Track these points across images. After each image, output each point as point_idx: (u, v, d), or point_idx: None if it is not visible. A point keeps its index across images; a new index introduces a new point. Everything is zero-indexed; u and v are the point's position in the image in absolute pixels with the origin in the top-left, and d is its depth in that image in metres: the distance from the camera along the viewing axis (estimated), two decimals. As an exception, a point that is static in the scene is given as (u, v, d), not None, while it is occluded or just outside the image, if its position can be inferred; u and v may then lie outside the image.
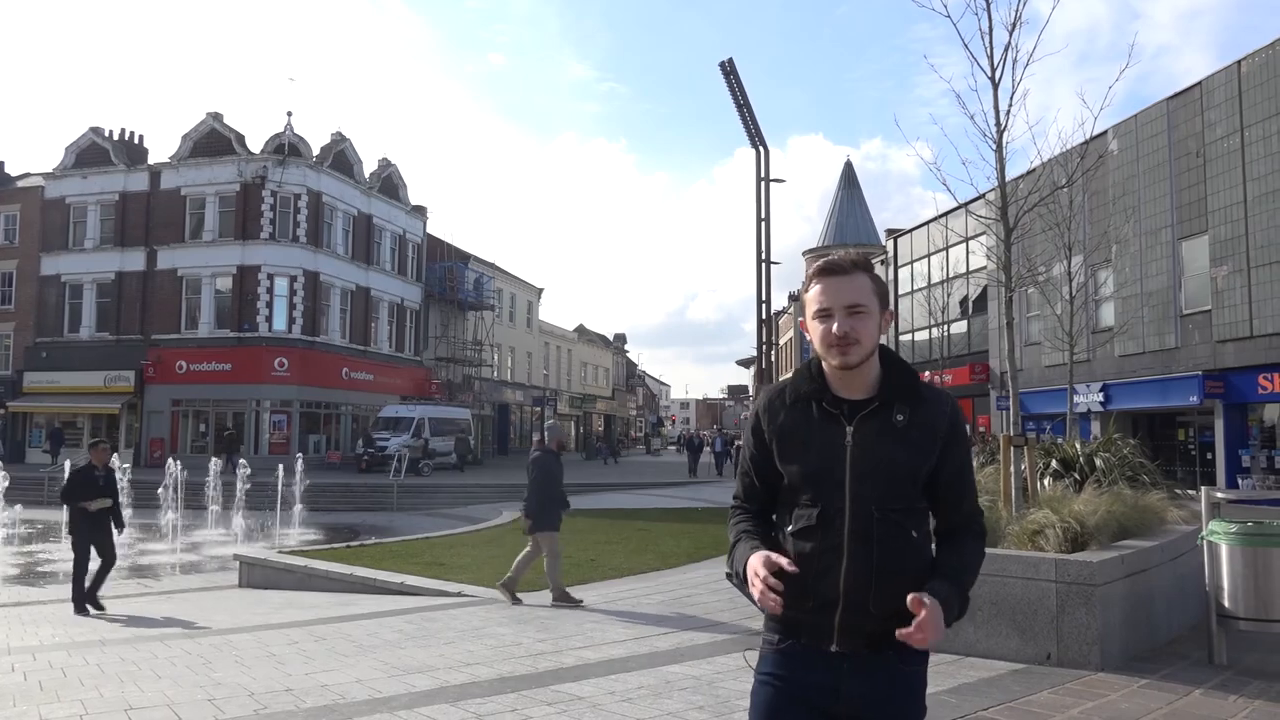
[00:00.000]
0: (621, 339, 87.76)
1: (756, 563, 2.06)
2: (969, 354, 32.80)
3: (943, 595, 2.05)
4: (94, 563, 10.65)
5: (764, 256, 35.19)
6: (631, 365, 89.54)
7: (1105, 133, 24.36)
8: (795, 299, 58.07)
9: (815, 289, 2.21)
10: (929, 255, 35.07)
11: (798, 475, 2.19)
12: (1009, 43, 8.10)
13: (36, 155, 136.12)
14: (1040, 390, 27.02)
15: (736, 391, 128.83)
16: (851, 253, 2.24)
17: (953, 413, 2.23)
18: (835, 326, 2.13)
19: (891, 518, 2.11)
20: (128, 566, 16.21)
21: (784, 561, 2.04)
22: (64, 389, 38.91)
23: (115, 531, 10.87)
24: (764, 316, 36.49)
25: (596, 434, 71.95)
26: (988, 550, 6.30)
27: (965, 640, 6.28)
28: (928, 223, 31.49)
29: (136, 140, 42.01)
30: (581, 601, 9.31)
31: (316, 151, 39.56)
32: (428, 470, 34.97)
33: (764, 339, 36.91)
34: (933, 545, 2.23)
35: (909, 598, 1.98)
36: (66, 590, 13.28)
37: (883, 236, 44.52)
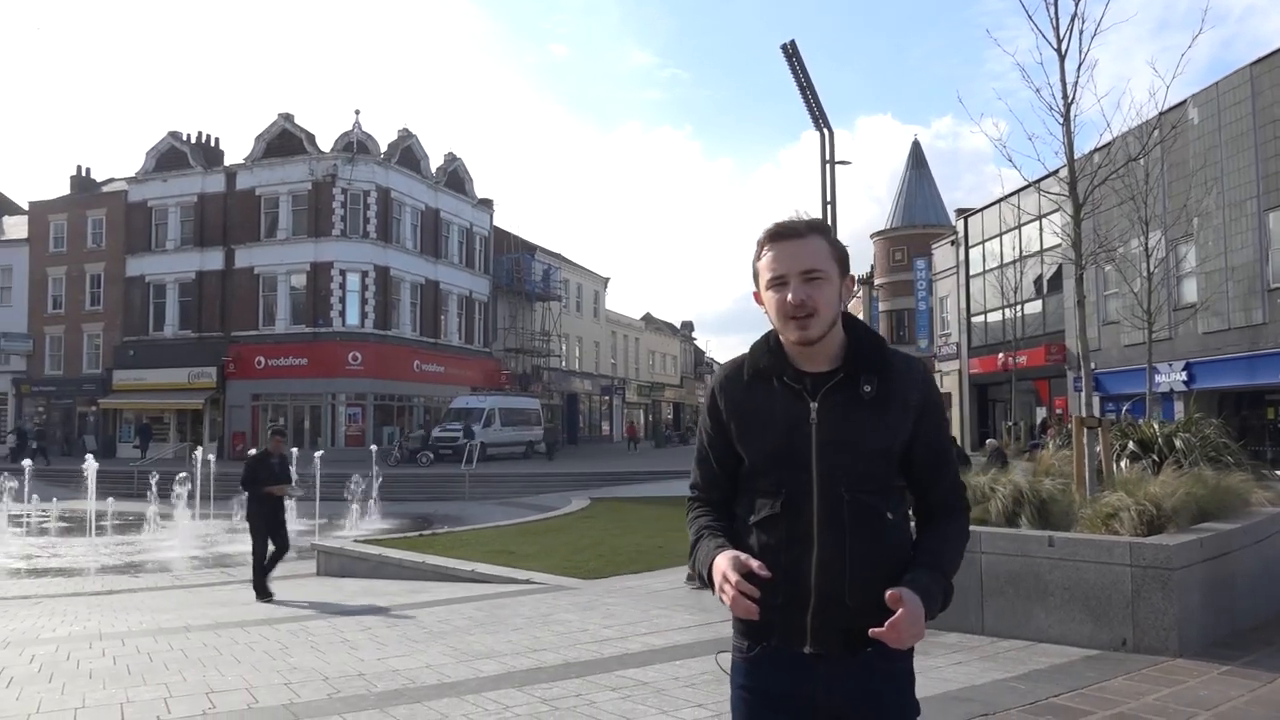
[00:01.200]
0: (689, 326, 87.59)
1: (725, 565, 1.86)
2: (1044, 334, 31.99)
3: (922, 586, 1.87)
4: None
5: (830, 240, 34.72)
6: (699, 352, 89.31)
7: (1184, 102, 23.47)
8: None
9: (767, 256, 2.01)
10: (1000, 234, 34.25)
11: (759, 457, 2.00)
12: (1075, 13, 7.86)
13: (120, 160, 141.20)
14: (1119, 370, 26.24)
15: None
16: (805, 215, 2.03)
17: (925, 382, 2.04)
18: (790, 295, 1.94)
19: (863, 499, 1.92)
20: (212, 555, 16.81)
21: (754, 564, 1.84)
22: (151, 386, 40.36)
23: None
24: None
25: (666, 422, 72.10)
26: (1059, 535, 6.24)
27: (1037, 626, 6.16)
28: (997, 201, 30.73)
29: (213, 143, 43.27)
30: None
31: (384, 148, 40.26)
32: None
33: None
34: (912, 526, 2.05)
35: (886, 594, 1.80)
36: (156, 578, 13.86)
37: (953, 216, 43.62)
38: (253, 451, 12.94)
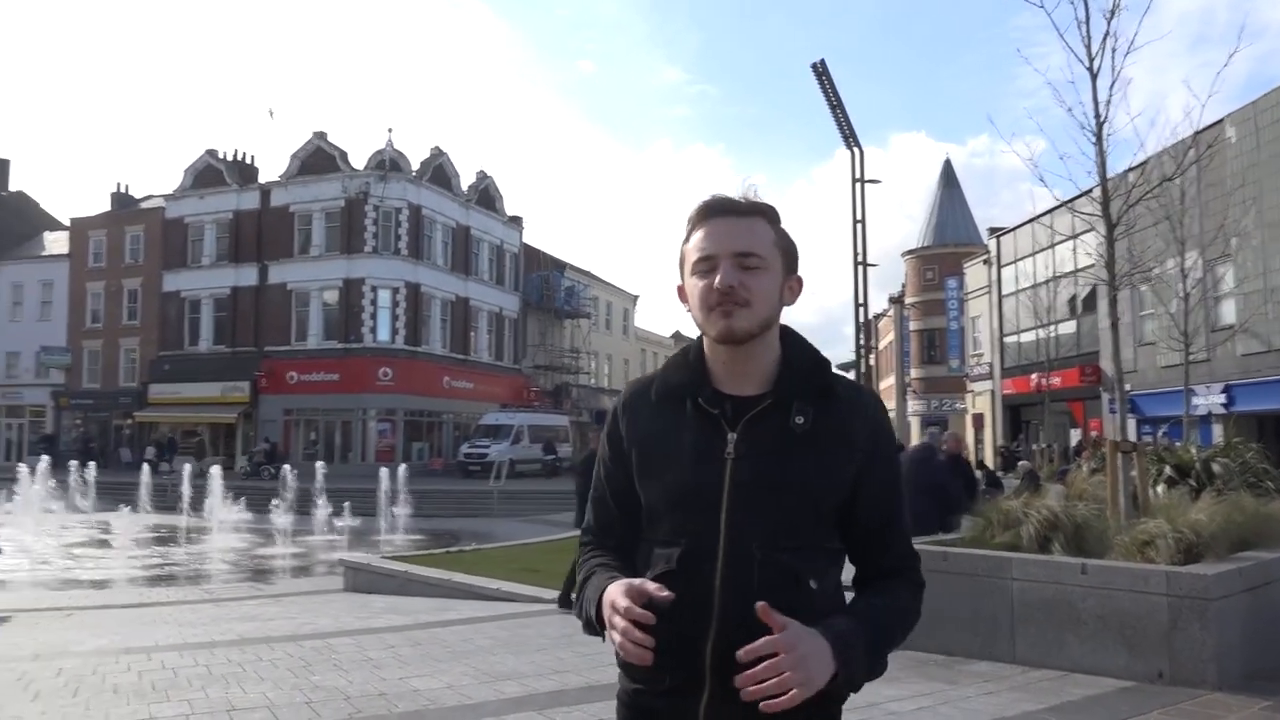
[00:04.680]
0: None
1: (616, 592, 1.48)
2: (1078, 355, 31.57)
3: (837, 631, 1.46)
4: None
5: (860, 258, 34.64)
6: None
7: (1221, 120, 23.14)
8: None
9: (696, 235, 1.63)
10: (1034, 253, 33.90)
11: (659, 499, 1.62)
12: (1108, 31, 7.77)
13: (158, 178, 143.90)
14: (1156, 392, 25.81)
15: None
16: (755, 195, 1.66)
17: (876, 416, 1.65)
18: (719, 278, 1.57)
19: (781, 560, 1.53)
20: (244, 569, 16.93)
21: (652, 587, 1.46)
22: (185, 399, 40.88)
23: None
24: (861, 320, 35.90)
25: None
26: (1093, 562, 6.10)
27: (1070, 655, 6.02)
28: (1030, 221, 30.44)
29: (248, 160, 43.92)
30: None
31: (416, 166, 40.66)
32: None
33: (862, 342, 36.28)
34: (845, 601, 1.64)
35: (757, 605, 1.40)
36: (186, 592, 13.95)
37: (985, 235, 43.29)
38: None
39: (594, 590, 1.60)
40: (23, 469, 23.92)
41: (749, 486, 1.56)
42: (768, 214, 1.66)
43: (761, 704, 1.38)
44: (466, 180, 44.56)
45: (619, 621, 1.45)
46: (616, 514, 1.73)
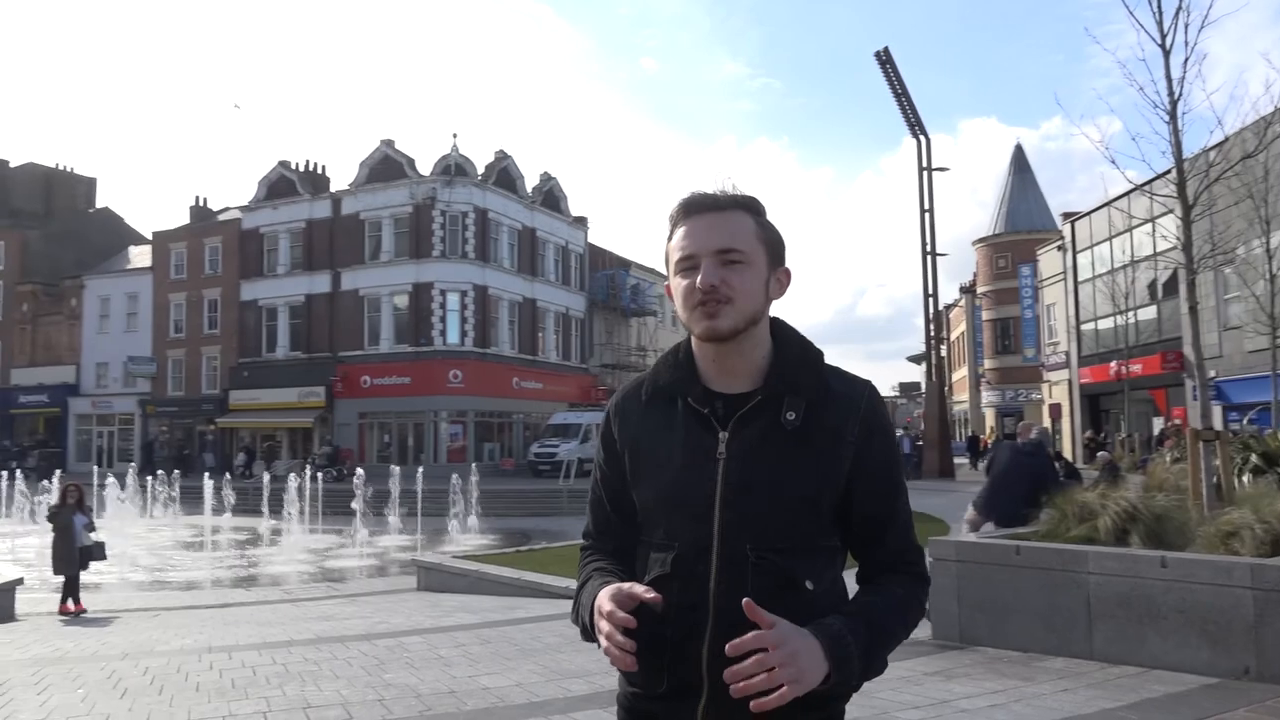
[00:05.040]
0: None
1: (603, 597, 1.47)
2: (1160, 341, 30.57)
3: (831, 630, 1.42)
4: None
5: (929, 248, 34.07)
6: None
7: (1309, 93, 22.13)
8: (955, 287, 55.62)
9: (678, 234, 1.61)
10: (1110, 238, 32.94)
11: (652, 502, 1.61)
12: (1180, 5, 7.49)
13: (234, 190, 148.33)
14: (1242, 378, 24.87)
15: (909, 389, 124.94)
16: (734, 188, 1.63)
17: (870, 408, 1.60)
18: (700, 277, 1.55)
19: (775, 562, 1.51)
20: (321, 570, 17.34)
21: (641, 590, 1.45)
22: (264, 405, 41.99)
23: None
24: (931, 311, 35.30)
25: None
26: (1173, 555, 5.90)
27: (1150, 651, 5.83)
28: (1105, 205, 29.56)
29: (319, 170, 44.91)
30: None
31: (481, 170, 41.12)
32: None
33: (933, 334, 35.68)
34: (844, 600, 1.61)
35: (743, 602, 1.37)
36: (266, 592, 14.33)
37: (1059, 221, 42.18)
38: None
39: (588, 596, 1.58)
40: (127, 476, 24.86)
41: (741, 486, 1.53)
42: (749, 206, 1.62)
43: (751, 702, 1.36)
44: (531, 182, 44.94)
45: (603, 626, 1.44)
46: (614, 517, 1.72)
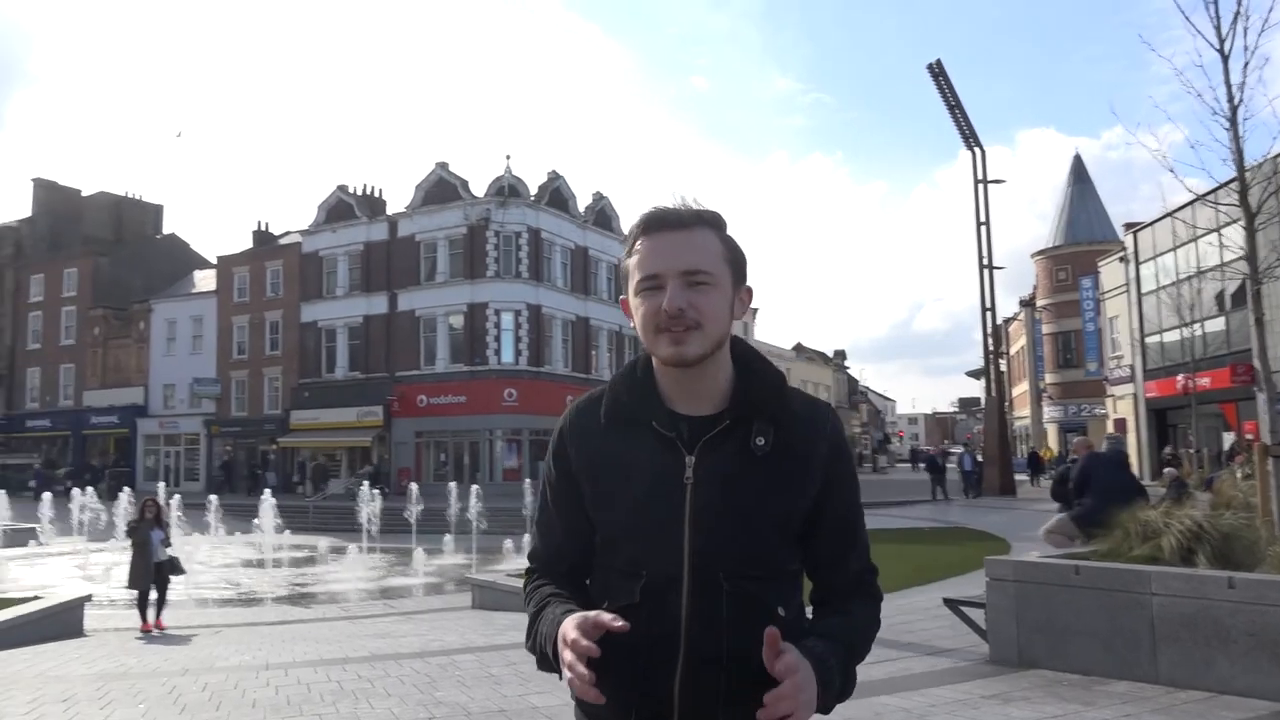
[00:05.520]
0: (841, 355, 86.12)
1: (569, 626, 1.41)
2: (1229, 353, 29.67)
3: (816, 654, 1.42)
4: None
5: (985, 261, 33.58)
6: (853, 381, 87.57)
7: (1383, 96, 21.41)
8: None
9: (639, 251, 1.56)
10: (1174, 248, 32.13)
11: (616, 528, 1.56)
12: (1239, 10, 7.31)
13: (295, 214, 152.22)
14: (1318, 391, 23.99)
15: (968, 404, 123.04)
16: (696, 203, 1.58)
17: (834, 430, 1.59)
18: (667, 300, 1.49)
19: (748, 589, 1.48)
20: (378, 588, 17.54)
21: (608, 619, 1.40)
22: (324, 425, 42.73)
23: None
24: (990, 325, 34.74)
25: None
26: (1241, 575, 5.71)
27: (1219, 675, 5.63)
28: (1168, 215, 28.82)
29: (376, 193, 45.77)
30: None
31: (534, 190, 41.54)
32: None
33: (991, 348, 35.10)
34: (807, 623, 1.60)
35: (766, 631, 1.35)
36: (324, 610, 14.54)
37: (1121, 232, 41.27)
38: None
39: (547, 624, 1.52)
40: (211, 499, 25.52)
41: (711, 512, 1.49)
42: (713, 223, 1.58)
43: None
44: (583, 201, 45.27)
45: (566, 655, 1.39)
46: (566, 541, 1.66)
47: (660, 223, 1.55)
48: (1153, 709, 5.38)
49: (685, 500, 1.50)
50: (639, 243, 1.57)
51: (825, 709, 1.44)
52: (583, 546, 1.63)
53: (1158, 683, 5.86)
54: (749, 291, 1.63)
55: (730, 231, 1.61)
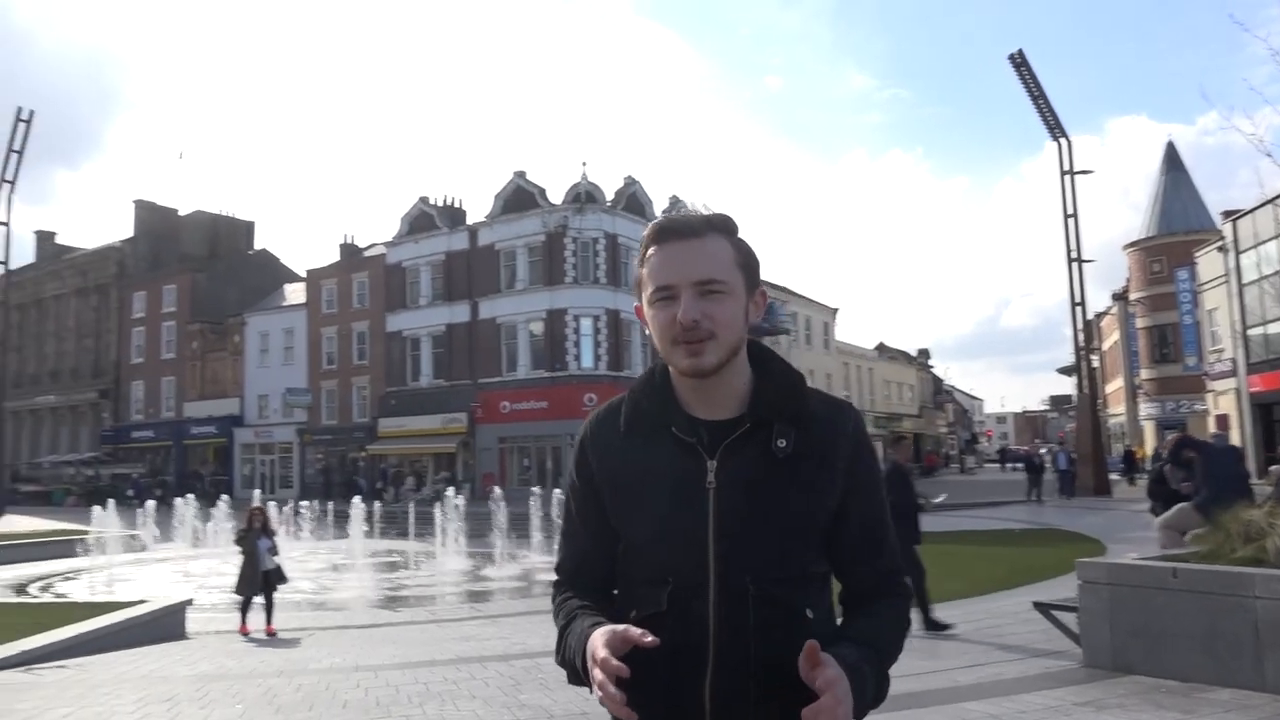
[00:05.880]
0: (925, 354, 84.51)
1: (597, 642, 1.41)
2: (1340, 345, 28.25)
3: (849, 662, 1.39)
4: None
5: (1075, 255, 32.60)
6: (938, 381, 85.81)
7: None
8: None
9: (652, 260, 1.55)
10: (1277, 236, 30.69)
11: (640, 537, 1.56)
12: (1340, -17, 6.94)
13: (379, 227, 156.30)
14: None
15: (1059, 402, 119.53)
16: (704, 210, 1.60)
17: (856, 431, 1.58)
18: (681, 312, 1.49)
19: (776, 593, 1.48)
20: (465, 592, 17.82)
21: (636, 633, 1.39)
22: (410, 432, 43.72)
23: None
24: (1080, 320, 33.69)
25: (904, 454, 69.60)
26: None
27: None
28: (1269, 201, 27.56)
29: (457, 204, 46.67)
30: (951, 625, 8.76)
31: (611, 196, 41.83)
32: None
33: (1082, 344, 34.03)
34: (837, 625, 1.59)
35: (806, 644, 1.35)
36: (413, 613, 14.81)
37: (1219, 220, 39.61)
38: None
39: (578, 639, 1.52)
40: (307, 503, 26.36)
41: (735, 517, 1.49)
42: (724, 228, 1.58)
43: None
44: (659, 205, 45.36)
45: (597, 675, 1.38)
46: (590, 549, 1.66)
47: (671, 231, 1.56)
48: (1258, 718, 5.15)
49: (708, 505, 1.50)
50: (651, 252, 1.57)
51: (859, 717, 1.43)
52: (609, 556, 1.63)
53: (1263, 690, 5.61)
54: (763, 293, 1.63)
55: (741, 235, 1.61)
